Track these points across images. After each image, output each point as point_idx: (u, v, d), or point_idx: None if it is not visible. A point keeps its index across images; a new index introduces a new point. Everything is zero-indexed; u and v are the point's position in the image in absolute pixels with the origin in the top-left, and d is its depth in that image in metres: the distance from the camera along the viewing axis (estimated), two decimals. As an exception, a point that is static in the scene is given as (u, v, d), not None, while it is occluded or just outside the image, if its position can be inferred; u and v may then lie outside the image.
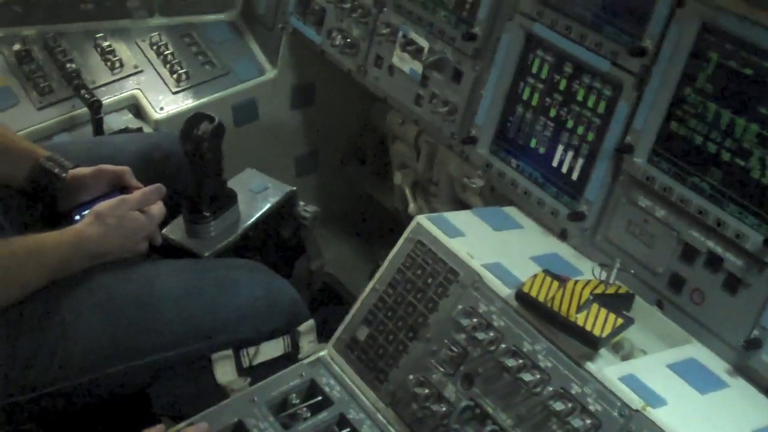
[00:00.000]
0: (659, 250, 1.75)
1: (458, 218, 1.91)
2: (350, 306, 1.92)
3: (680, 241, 1.71)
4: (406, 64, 2.35)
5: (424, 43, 2.29)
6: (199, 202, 2.17)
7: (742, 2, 1.61)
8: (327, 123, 3.07)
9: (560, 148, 1.96)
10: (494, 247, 1.83)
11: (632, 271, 1.76)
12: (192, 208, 2.18)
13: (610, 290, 1.67)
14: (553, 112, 1.98)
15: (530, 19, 2.01)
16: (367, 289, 1.88)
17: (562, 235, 1.93)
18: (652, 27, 1.75)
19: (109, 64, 2.84)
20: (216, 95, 2.84)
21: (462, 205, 2.37)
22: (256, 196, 2.31)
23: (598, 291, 1.64)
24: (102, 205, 1.98)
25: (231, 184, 2.26)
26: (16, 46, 2.81)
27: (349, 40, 2.52)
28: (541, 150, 2.01)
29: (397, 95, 2.40)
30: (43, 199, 2.09)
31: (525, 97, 2.04)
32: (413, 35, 2.32)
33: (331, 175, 3.20)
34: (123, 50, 2.90)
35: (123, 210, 1.98)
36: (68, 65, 2.76)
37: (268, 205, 2.28)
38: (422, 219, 1.87)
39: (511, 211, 2.03)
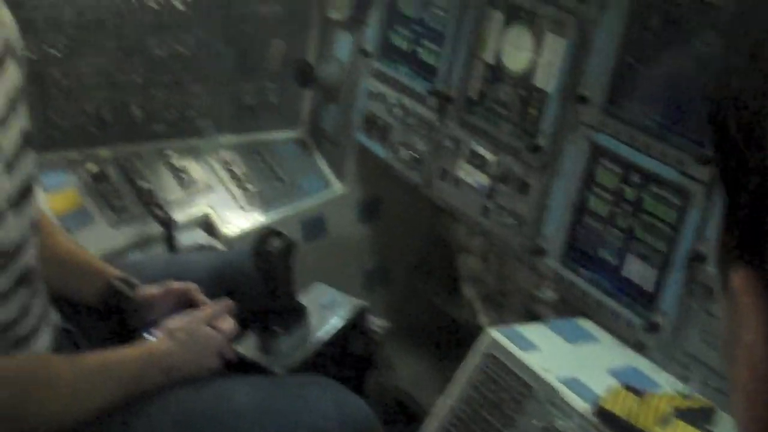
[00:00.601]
0: (739, 361, 1.71)
1: (530, 331, 1.89)
2: (423, 422, 1.90)
3: (760, 351, 1.67)
4: (471, 176, 2.37)
5: (489, 156, 2.32)
6: (270, 318, 2.18)
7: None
8: (395, 236, 3.10)
9: (631, 258, 1.95)
10: (569, 361, 1.81)
11: (712, 383, 1.72)
12: (263, 324, 2.19)
13: (691, 403, 1.63)
14: (621, 222, 1.97)
15: (594, 130, 2.03)
16: (440, 405, 1.86)
17: (638, 347, 1.90)
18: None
19: (180, 182, 2.92)
20: (285, 211, 2.90)
21: (533, 316, 2.35)
22: (326, 311, 2.31)
23: (679, 405, 1.61)
24: (172, 321, 2.01)
25: (301, 299, 2.27)
26: (92, 167, 2.90)
27: (414, 154, 2.56)
28: (612, 260, 2.00)
29: (463, 207, 2.42)
30: (114, 318, 2.12)
31: (592, 207, 2.04)
32: (478, 148, 2.35)
33: (400, 288, 3.21)
34: (194, 168, 2.98)
35: (193, 325, 2.00)
36: (141, 184, 2.84)
37: (338, 321, 2.29)
38: (494, 332, 1.86)
39: (585, 322, 2.00)
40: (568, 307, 2.11)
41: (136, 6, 2.93)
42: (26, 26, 2.55)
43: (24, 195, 1.76)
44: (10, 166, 1.70)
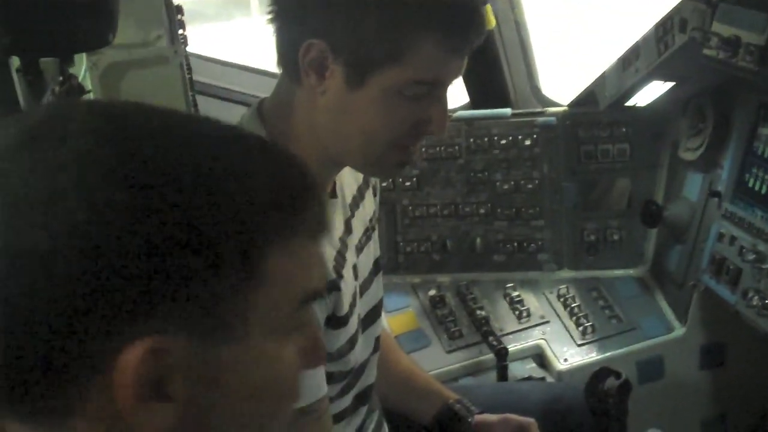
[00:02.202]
0: None
1: None
2: None
3: None
4: (833, 330, 2.19)
5: None
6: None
7: None
8: (739, 387, 2.91)
9: None
10: None
11: None
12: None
13: None
14: None
15: None
16: None
17: None
18: None
19: (516, 313, 2.95)
20: (621, 350, 2.82)
21: None
22: (664, 458, 2.20)
23: None
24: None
25: (637, 443, 2.18)
26: (432, 292, 3.03)
27: (767, 301, 2.41)
28: None
29: (821, 363, 2.23)
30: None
31: None
32: (841, 299, 2.17)
33: (740, 442, 2.98)
34: (531, 300, 3.01)
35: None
36: (478, 312, 2.92)
37: (673, 470, 2.17)
38: None
39: None
40: None
41: (485, 141, 3.06)
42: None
43: (372, 316, 1.86)
44: (363, 291, 1.81)
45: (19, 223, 0.77)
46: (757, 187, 2.54)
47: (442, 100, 1.61)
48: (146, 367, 0.77)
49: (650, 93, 2.91)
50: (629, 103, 2.99)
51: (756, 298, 2.44)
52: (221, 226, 0.80)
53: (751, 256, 2.47)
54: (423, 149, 3.04)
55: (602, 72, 2.96)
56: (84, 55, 2.75)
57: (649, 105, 2.98)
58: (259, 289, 0.82)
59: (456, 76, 1.62)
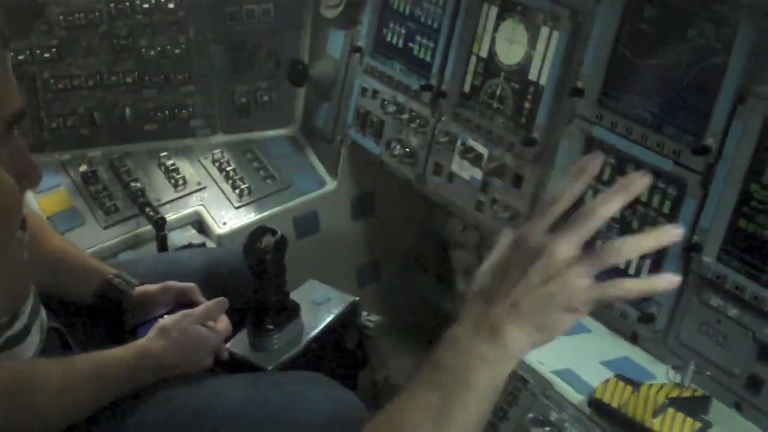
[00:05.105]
0: (735, 351, 1.69)
1: (524, 324, 1.87)
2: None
3: (756, 340, 1.65)
4: (465, 171, 2.36)
5: (483, 150, 2.30)
6: (262, 316, 2.16)
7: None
8: (388, 232, 3.09)
9: (626, 250, 1.92)
10: (563, 353, 1.78)
11: (708, 373, 1.69)
12: (255, 321, 2.17)
13: (686, 393, 1.61)
14: (617, 214, 1.95)
15: (589, 123, 2.01)
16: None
17: (633, 338, 1.88)
18: (713, 125, 1.74)
19: (172, 181, 2.91)
20: (277, 209, 2.89)
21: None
22: (318, 307, 2.29)
23: (673, 395, 1.59)
24: (166, 319, 1.98)
25: (294, 296, 2.25)
26: (83, 168, 2.89)
27: (408, 149, 2.55)
28: (607, 252, 1.97)
29: (457, 202, 2.40)
30: (110, 316, 2.10)
31: (587, 199, 2.02)
32: (472, 143, 2.33)
33: (393, 284, 3.19)
34: (186, 168, 2.97)
35: (187, 323, 1.98)
36: (133, 184, 2.82)
37: (330, 316, 2.26)
38: (488, 326, 1.83)
39: (579, 314, 1.98)
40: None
41: (127, 6, 2.92)
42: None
43: None
44: None
45: None
46: (394, 41, 2.64)
47: None
48: None
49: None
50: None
51: (398, 147, 2.57)
52: None
53: (391, 108, 2.59)
54: (60, 17, 2.84)
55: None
56: None
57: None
58: None
59: None
